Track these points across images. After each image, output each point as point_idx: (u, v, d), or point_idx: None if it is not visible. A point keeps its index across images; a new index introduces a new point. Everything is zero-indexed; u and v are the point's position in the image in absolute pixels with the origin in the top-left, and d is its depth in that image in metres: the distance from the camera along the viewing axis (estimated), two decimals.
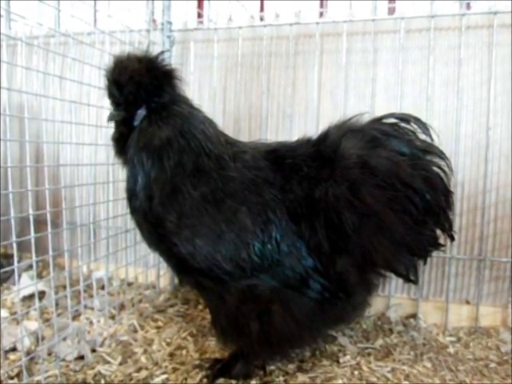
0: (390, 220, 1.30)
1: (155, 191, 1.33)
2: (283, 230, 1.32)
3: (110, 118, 1.41)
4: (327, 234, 1.32)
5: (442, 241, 1.43)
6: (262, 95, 2.11)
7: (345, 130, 1.38)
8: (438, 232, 1.41)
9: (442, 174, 1.37)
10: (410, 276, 1.42)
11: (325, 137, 1.42)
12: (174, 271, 1.53)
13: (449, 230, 1.42)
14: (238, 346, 1.49)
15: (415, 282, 1.44)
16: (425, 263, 1.45)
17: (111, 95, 1.39)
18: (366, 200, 1.30)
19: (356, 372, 1.54)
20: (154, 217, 1.33)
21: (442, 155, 1.38)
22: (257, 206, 1.32)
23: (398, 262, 1.38)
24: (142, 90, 1.34)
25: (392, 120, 1.40)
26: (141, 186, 1.35)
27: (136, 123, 1.37)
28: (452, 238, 1.45)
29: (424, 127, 1.40)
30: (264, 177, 1.36)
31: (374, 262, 1.36)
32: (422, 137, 1.41)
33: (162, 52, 1.45)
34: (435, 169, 1.37)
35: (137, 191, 1.36)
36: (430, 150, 1.38)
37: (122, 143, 1.41)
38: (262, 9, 2.26)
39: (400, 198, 1.30)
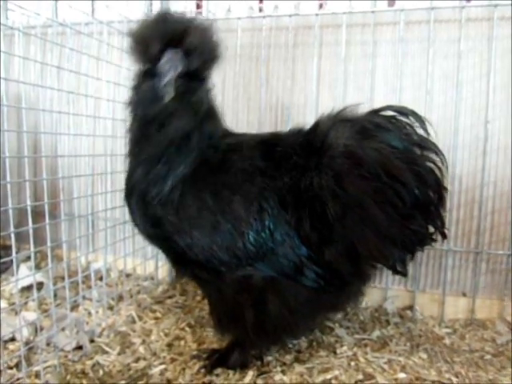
0: (374, 211, 1.27)
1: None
2: (276, 218, 1.31)
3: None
4: (312, 223, 1.31)
5: (433, 236, 1.39)
6: (260, 87, 2.10)
7: (335, 120, 1.36)
8: (431, 228, 1.37)
9: (436, 170, 1.33)
10: (397, 268, 1.39)
11: (316, 126, 1.41)
12: (171, 263, 1.53)
13: (441, 228, 1.38)
14: (234, 336, 1.50)
15: (404, 275, 1.42)
16: (412, 258, 1.41)
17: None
18: (349, 190, 1.27)
19: (353, 363, 1.55)
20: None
21: (437, 150, 1.34)
22: (250, 195, 1.31)
23: (382, 255, 1.35)
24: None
25: (390, 113, 1.37)
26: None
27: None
28: (444, 236, 1.41)
29: (421, 121, 1.35)
30: (257, 165, 1.35)
31: (358, 253, 1.33)
32: (420, 131, 1.36)
33: None
34: (428, 164, 1.33)
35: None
36: (425, 144, 1.34)
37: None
38: (261, 0, 2.24)
39: (386, 191, 1.26)
